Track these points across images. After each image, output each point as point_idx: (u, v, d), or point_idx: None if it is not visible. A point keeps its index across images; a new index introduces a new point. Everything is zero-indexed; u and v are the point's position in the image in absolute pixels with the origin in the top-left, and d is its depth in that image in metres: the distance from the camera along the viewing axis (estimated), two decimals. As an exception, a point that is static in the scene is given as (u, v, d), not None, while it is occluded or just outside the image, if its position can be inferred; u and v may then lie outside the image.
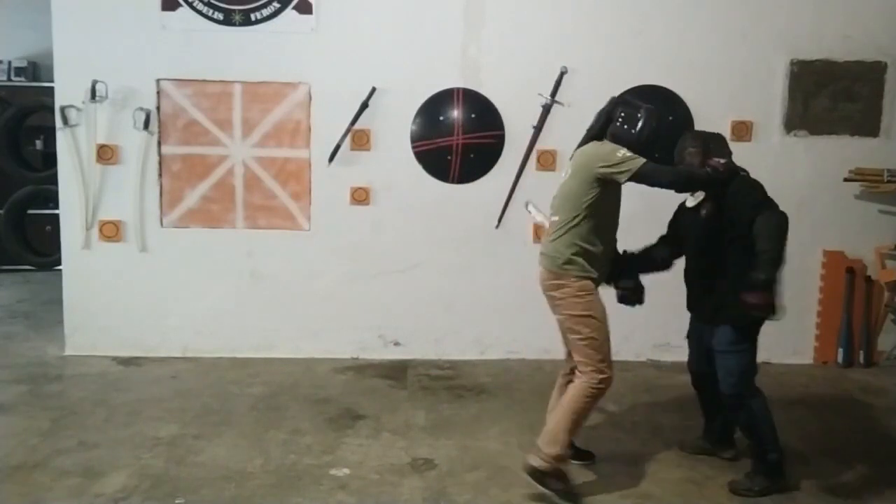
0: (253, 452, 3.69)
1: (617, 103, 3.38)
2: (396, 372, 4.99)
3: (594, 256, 3.30)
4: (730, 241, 3.32)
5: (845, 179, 5.18)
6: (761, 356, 5.17)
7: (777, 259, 3.16)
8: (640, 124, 3.29)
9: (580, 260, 3.27)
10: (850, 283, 5.28)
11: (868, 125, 5.23)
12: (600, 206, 3.27)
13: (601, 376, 3.24)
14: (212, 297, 5.20)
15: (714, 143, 3.46)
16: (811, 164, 5.24)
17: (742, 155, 5.20)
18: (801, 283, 5.31)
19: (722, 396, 3.42)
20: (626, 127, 3.30)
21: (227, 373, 4.88)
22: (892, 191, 5.13)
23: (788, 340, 5.34)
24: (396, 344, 5.30)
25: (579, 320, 3.27)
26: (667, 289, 5.25)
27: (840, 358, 5.32)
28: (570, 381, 3.41)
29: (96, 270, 5.12)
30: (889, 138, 5.25)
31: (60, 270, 5.26)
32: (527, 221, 5.02)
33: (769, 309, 3.17)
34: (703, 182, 3.36)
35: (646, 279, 4.83)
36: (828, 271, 5.30)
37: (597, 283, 3.36)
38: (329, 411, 4.26)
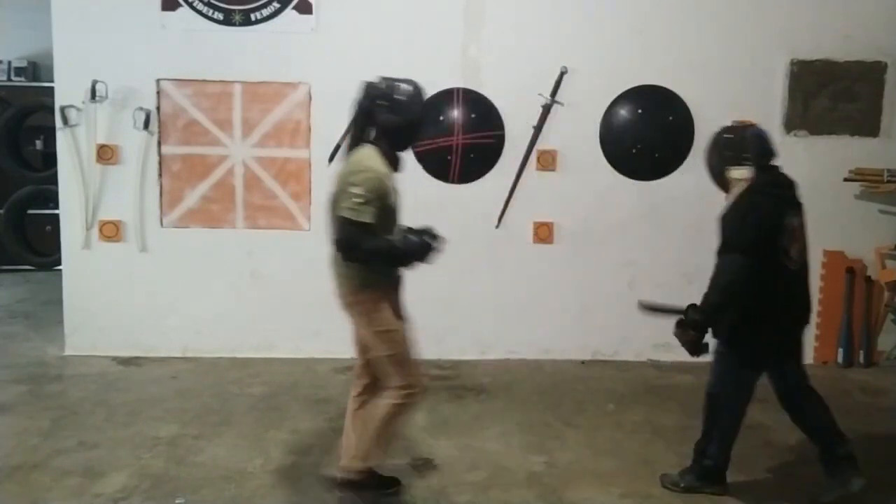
0: (253, 452, 3.69)
1: (371, 90, 3.01)
2: (396, 372, 4.98)
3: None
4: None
5: (845, 179, 5.18)
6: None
7: (713, 309, 3.10)
8: (406, 107, 2.97)
9: (372, 275, 2.98)
10: (850, 283, 5.28)
11: (868, 125, 5.23)
12: (378, 215, 2.89)
13: (409, 390, 3.06)
14: (212, 297, 5.19)
15: (732, 150, 3.17)
16: (811, 164, 5.23)
17: (742, 155, 5.24)
18: (801, 283, 5.32)
19: (706, 399, 3.38)
20: (393, 116, 2.94)
21: (227, 373, 4.88)
22: (892, 191, 5.13)
23: (788, 340, 5.34)
24: (396, 344, 5.29)
25: (378, 336, 3.03)
26: (667, 289, 5.28)
27: (840, 358, 5.32)
28: (364, 401, 3.23)
29: (96, 270, 5.12)
30: (889, 138, 5.26)
31: (60, 270, 5.26)
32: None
33: (689, 348, 3.13)
34: (383, 258, 2.95)
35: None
36: (828, 271, 5.30)
37: (394, 285, 3.10)
38: (329, 411, 4.26)
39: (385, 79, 3.07)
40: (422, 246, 2.91)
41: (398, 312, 3.11)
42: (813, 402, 3.32)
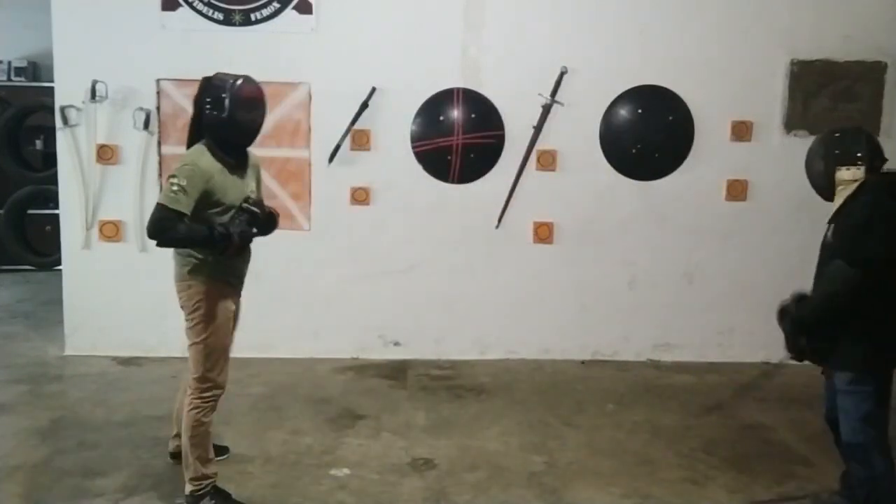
0: (253, 452, 3.69)
1: (203, 88, 3.10)
2: (396, 372, 4.99)
3: (220, 260, 3.09)
4: None
5: (845, 179, 5.18)
6: (761, 356, 5.30)
7: (813, 311, 2.86)
8: (230, 106, 3.00)
9: (204, 267, 3.07)
10: (850, 283, 5.26)
11: (868, 125, 5.19)
12: (207, 208, 3.01)
13: (204, 386, 3.09)
14: (212, 297, 5.18)
15: (843, 148, 2.90)
16: (811, 164, 5.24)
17: (742, 155, 5.25)
18: (801, 283, 5.30)
19: (842, 444, 3.01)
20: (216, 113, 3.01)
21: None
22: (893, 191, 5.12)
23: (788, 340, 5.34)
24: (396, 344, 5.30)
25: (192, 323, 3.09)
26: (667, 289, 5.29)
27: (840, 358, 5.30)
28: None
29: (96, 270, 5.12)
30: (889, 138, 5.24)
31: (60, 270, 5.26)
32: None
33: (787, 345, 2.94)
34: (195, 245, 3.03)
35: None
36: (828, 271, 5.29)
37: (232, 284, 3.21)
38: (329, 411, 4.26)
39: (219, 74, 3.11)
40: (240, 235, 3.00)
41: (225, 308, 3.15)
42: None
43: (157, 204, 2.95)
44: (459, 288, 5.26)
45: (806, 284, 5.31)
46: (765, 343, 5.33)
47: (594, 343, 5.32)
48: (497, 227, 5.18)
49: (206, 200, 2.98)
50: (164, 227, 2.92)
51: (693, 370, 5.14)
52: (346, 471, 3.53)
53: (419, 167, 5.14)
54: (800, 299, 2.94)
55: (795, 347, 2.92)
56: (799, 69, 5.16)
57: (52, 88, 5.11)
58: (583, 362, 5.25)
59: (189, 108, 4.98)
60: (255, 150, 5.05)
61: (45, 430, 3.92)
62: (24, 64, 7.80)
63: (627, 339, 5.32)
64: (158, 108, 5.04)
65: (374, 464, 3.60)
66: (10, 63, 7.78)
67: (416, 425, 4.11)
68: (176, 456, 3.42)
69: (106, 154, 5.04)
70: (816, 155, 2.99)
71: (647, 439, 3.98)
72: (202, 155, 3.03)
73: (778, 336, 5.40)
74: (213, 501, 3.12)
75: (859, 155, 2.87)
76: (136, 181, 5.06)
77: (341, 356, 5.22)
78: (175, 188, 2.91)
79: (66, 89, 5.00)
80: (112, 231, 5.10)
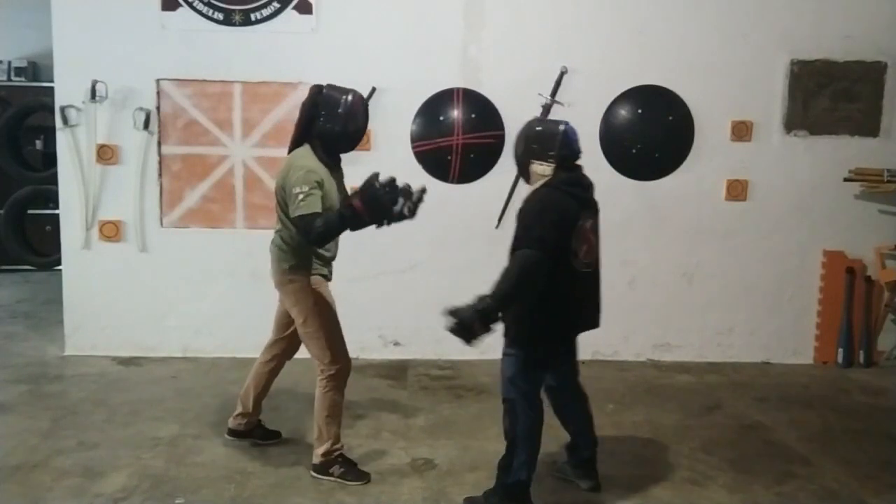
0: (253, 452, 3.69)
1: (316, 98, 3.27)
2: (396, 372, 4.99)
3: (319, 254, 3.37)
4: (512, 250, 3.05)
5: (845, 179, 5.19)
6: (761, 356, 5.31)
7: (502, 298, 2.98)
8: (344, 119, 3.23)
9: (303, 261, 3.34)
10: (850, 283, 5.28)
11: (868, 125, 5.23)
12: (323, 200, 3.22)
13: (334, 368, 3.36)
14: (212, 297, 5.19)
15: (540, 144, 3.11)
16: (811, 164, 5.25)
17: (742, 155, 5.26)
18: (801, 283, 5.32)
19: None
20: (329, 126, 3.23)
21: (227, 373, 4.88)
22: (892, 191, 5.13)
23: (788, 340, 5.34)
24: (396, 344, 5.30)
25: (307, 316, 3.36)
26: (667, 289, 5.29)
27: (840, 358, 5.32)
28: (273, 368, 3.71)
29: (96, 270, 5.12)
30: (889, 138, 5.26)
31: (60, 270, 5.26)
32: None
33: (464, 335, 2.99)
34: (339, 230, 3.17)
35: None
36: (828, 271, 5.30)
37: (327, 276, 3.46)
38: (329, 411, 4.25)
39: (330, 87, 3.31)
40: (373, 203, 3.04)
41: (328, 294, 3.44)
42: (579, 401, 3.43)
43: (296, 216, 3.13)
44: (460, 288, 5.20)
45: (804, 284, 5.34)
46: (765, 343, 5.36)
47: (594, 343, 5.31)
48: (497, 227, 5.18)
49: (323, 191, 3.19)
50: (309, 231, 3.11)
51: (693, 370, 5.15)
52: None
53: (419, 167, 5.14)
54: (480, 298, 3.06)
55: (474, 336, 3.01)
56: (799, 69, 5.16)
57: (52, 88, 5.11)
58: (583, 362, 5.24)
59: (189, 109, 5.07)
60: (258, 151, 5.12)
61: (45, 430, 3.92)
62: (24, 64, 7.80)
63: (627, 339, 5.33)
64: (158, 108, 5.04)
65: (374, 464, 3.60)
66: (10, 63, 7.78)
67: (416, 425, 4.11)
68: (234, 433, 3.78)
69: (106, 154, 5.05)
70: (520, 139, 3.20)
71: (647, 439, 3.99)
72: (310, 158, 3.24)
73: (778, 336, 5.45)
74: (343, 468, 3.40)
75: (551, 154, 3.08)
76: (136, 181, 5.07)
77: (341, 356, 5.22)
78: (301, 196, 3.11)
79: (66, 89, 5.00)
80: (112, 231, 5.10)
